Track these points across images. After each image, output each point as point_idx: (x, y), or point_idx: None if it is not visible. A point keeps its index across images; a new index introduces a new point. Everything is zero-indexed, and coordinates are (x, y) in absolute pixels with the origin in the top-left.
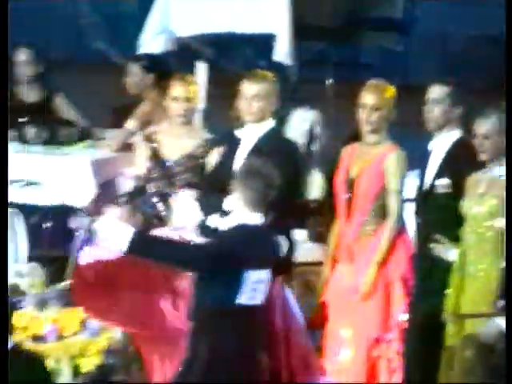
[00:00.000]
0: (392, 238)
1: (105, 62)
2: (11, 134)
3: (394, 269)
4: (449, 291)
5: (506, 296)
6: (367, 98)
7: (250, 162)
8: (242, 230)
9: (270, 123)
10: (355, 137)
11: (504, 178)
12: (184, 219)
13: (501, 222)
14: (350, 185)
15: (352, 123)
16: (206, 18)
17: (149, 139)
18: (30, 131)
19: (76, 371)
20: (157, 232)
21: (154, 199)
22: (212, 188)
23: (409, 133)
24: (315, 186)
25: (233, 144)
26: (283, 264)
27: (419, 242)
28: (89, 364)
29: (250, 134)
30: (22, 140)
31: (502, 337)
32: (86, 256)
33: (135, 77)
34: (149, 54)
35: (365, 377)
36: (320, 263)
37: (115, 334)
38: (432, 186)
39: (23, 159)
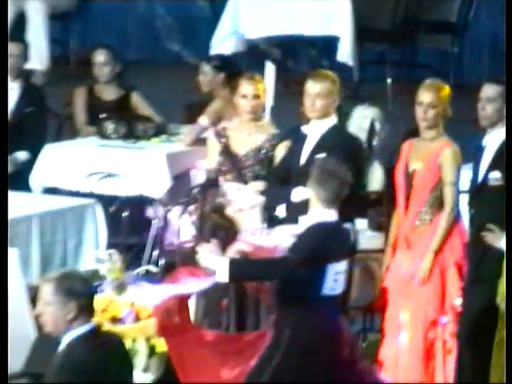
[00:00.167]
0: (447, 227)
1: (179, 62)
2: (92, 129)
3: (448, 255)
4: (501, 277)
5: (506, 296)
6: (424, 96)
7: (325, 163)
8: (321, 228)
9: (333, 120)
10: (413, 132)
11: None
12: (251, 210)
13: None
14: (409, 177)
15: (409, 120)
16: (274, 22)
17: (220, 134)
18: (109, 127)
19: (151, 351)
20: (240, 245)
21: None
22: (279, 180)
23: (463, 129)
24: (375, 179)
25: (300, 139)
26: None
27: (472, 231)
28: (163, 344)
29: (314, 130)
30: (102, 135)
31: None
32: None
33: (207, 76)
34: (220, 54)
35: (421, 357)
36: (380, 250)
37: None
38: (485, 178)
39: (103, 153)
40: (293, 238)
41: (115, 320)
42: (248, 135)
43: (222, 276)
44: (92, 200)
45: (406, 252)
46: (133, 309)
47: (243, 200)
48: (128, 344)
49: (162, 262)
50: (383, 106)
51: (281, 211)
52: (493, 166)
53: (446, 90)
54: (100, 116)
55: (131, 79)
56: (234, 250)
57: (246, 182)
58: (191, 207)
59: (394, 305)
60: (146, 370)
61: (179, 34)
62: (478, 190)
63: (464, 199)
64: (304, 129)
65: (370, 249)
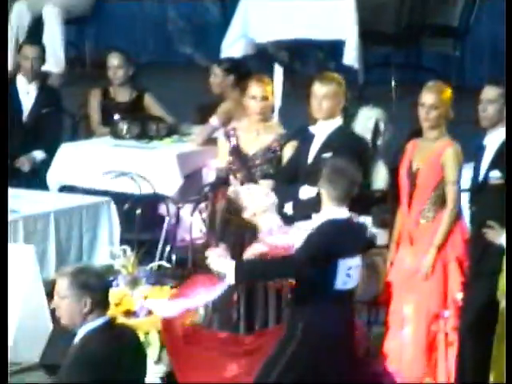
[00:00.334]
0: (450, 224)
1: (190, 64)
2: (106, 129)
3: (450, 251)
4: (501, 272)
5: (507, 294)
6: (426, 97)
7: (335, 162)
8: (330, 225)
9: (339, 121)
10: (417, 133)
11: None
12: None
13: (504, 239)
14: (412, 176)
15: (413, 120)
16: (282, 26)
17: (230, 134)
18: (123, 127)
19: (163, 343)
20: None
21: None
22: (287, 179)
23: (465, 129)
24: (380, 177)
25: (307, 139)
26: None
27: (473, 228)
28: None
29: (321, 130)
30: (116, 135)
31: None
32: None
33: (218, 78)
34: (230, 57)
35: (424, 350)
36: (384, 246)
37: (198, 311)
38: (485, 177)
39: (117, 152)
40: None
41: (129, 313)
42: (257, 135)
43: (230, 279)
44: (106, 198)
45: (409, 248)
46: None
47: (255, 204)
48: (141, 337)
49: (173, 257)
50: (387, 108)
51: (288, 209)
52: (493, 165)
53: (448, 91)
54: (114, 117)
55: (144, 81)
56: (251, 252)
57: (255, 181)
58: (202, 205)
59: (398, 299)
60: (158, 361)
61: (191, 38)
62: (479, 189)
63: (465, 197)
64: (311, 129)
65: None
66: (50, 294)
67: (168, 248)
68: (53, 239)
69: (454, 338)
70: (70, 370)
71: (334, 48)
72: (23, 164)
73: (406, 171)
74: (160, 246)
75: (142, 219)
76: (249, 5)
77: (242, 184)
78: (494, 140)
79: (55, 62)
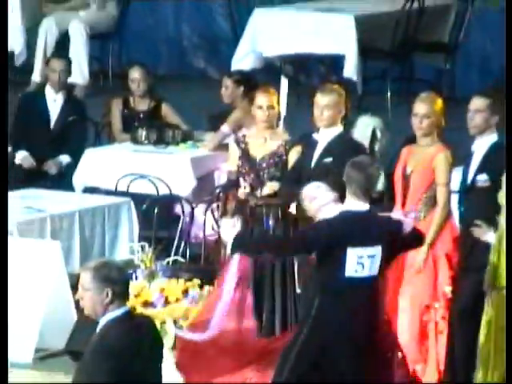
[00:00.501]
0: (441, 223)
1: (204, 76)
2: (126, 136)
3: (440, 247)
4: (488, 267)
5: (506, 295)
6: (419, 107)
7: (355, 160)
8: (342, 215)
9: (339, 128)
10: (411, 139)
11: None
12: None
13: (490, 237)
14: (406, 179)
15: (407, 128)
16: (288, 42)
17: (239, 141)
18: (142, 134)
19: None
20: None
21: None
22: (292, 181)
23: (455, 136)
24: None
25: (311, 144)
26: None
27: (462, 227)
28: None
29: (322, 137)
30: (135, 141)
31: None
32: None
33: (229, 89)
34: (240, 70)
35: (417, 337)
36: None
37: None
38: (473, 180)
39: (136, 157)
40: None
41: (147, 304)
42: (264, 141)
43: (229, 248)
44: (127, 198)
45: None
46: (162, 294)
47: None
48: (158, 325)
49: (188, 252)
50: (384, 116)
51: (292, 209)
52: (480, 169)
53: (439, 102)
54: (134, 124)
55: (161, 92)
56: None
57: (262, 183)
58: (214, 205)
59: (394, 292)
60: (173, 348)
61: (204, 52)
62: (468, 191)
63: (455, 198)
64: (314, 136)
65: None
66: (74, 287)
67: (183, 244)
68: (77, 236)
69: (444, 327)
70: (92, 357)
71: (335, 62)
72: (51, 167)
73: (401, 174)
74: (175, 242)
75: (159, 218)
76: (257, 22)
77: (250, 186)
78: (481, 146)
79: (80, 74)
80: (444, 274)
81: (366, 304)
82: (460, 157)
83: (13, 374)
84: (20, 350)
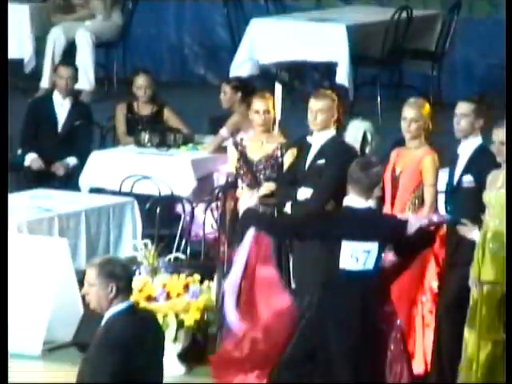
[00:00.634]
0: None
1: (204, 83)
2: (130, 139)
3: None
4: (473, 263)
5: (506, 295)
6: (408, 112)
7: (359, 161)
8: (347, 210)
9: (332, 132)
10: (400, 142)
11: None
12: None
13: (475, 234)
14: (395, 179)
15: (396, 132)
16: (283, 49)
17: (238, 144)
18: (145, 137)
19: (180, 325)
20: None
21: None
22: (287, 182)
23: (441, 139)
24: None
25: (305, 147)
26: None
27: (448, 224)
28: (190, 319)
29: (316, 140)
30: (139, 144)
31: None
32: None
33: (227, 95)
34: (238, 77)
35: (406, 330)
36: None
37: (211, 296)
38: (459, 181)
39: (140, 159)
40: None
41: (150, 299)
42: (261, 144)
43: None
44: (130, 198)
45: None
46: (165, 289)
47: None
48: (160, 319)
49: (188, 250)
50: (374, 120)
51: (288, 208)
52: (466, 171)
53: (427, 107)
54: (137, 128)
55: (164, 97)
56: None
57: (259, 184)
58: (214, 204)
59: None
60: (175, 340)
61: (204, 60)
62: (454, 191)
63: (441, 198)
64: (308, 139)
65: None
66: (81, 282)
67: (184, 242)
68: (84, 234)
69: (431, 320)
70: (97, 349)
71: (328, 69)
72: (58, 169)
73: (390, 175)
74: (177, 240)
75: (161, 217)
76: (254, 32)
77: (248, 186)
78: (466, 149)
79: (86, 80)
80: (431, 269)
81: (363, 296)
82: (446, 159)
83: (22, 365)
84: (29, 342)
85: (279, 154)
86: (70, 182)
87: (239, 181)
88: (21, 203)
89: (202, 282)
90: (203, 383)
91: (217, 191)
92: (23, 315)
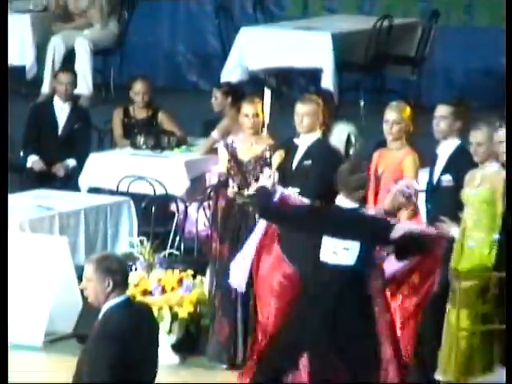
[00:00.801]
0: (409, 219)
1: (196, 88)
2: (127, 141)
3: None
4: (452, 258)
5: (507, 294)
6: (389, 115)
7: (345, 165)
8: (336, 208)
9: (318, 134)
10: (382, 144)
11: (499, 173)
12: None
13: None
14: (377, 179)
15: (379, 134)
16: (271, 56)
17: (228, 145)
18: (140, 140)
19: (174, 317)
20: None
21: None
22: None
23: (421, 140)
24: None
25: (292, 148)
26: None
27: (429, 222)
28: (184, 311)
29: (302, 142)
30: (135, 146)
31: None
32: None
33: (218, 99)
34: (228, 82)
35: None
36: None
37: (204, 290)
38: (439, 180)
39: (135, 160)
40: None
41: (145, 293)
42: (251, 146)
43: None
44: (127, 198)
45: None
46: (160, 284)
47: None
48: (155, 311)
49: (182, 246)
50: (358, 123)
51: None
52: (445, 171)
53: (408, 110)
54: (133, 131)
55: (158, 102)
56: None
57: (249, 183)
58: (206, 203)
59: None
60: (169, 332)
61: (196, 67)
62: (433, 190)
63: (422, 197)
64: (295, 141)
65: None
66: (80, 277)
67: (178, 239)
68: (83, 232)
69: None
70: (95, 341)
71: (314, 75)
72: (58, 170)
73: (373, 175)
74: (171, 237)
75: (156, 215)
76: (243, 40)
77: (238, 186)
78: (445, 149)
79: (85, 86)
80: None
81: (346, 289)
82: (426, 159)
83: (25, 356)
84: (31, 334)
85: (268, 155)
86: (69, 182)
87: (230, 180)
88: (23, 203)
89: (195, 276)
90: (196, 372)
91: (209, 191)
92: (26, 309)
